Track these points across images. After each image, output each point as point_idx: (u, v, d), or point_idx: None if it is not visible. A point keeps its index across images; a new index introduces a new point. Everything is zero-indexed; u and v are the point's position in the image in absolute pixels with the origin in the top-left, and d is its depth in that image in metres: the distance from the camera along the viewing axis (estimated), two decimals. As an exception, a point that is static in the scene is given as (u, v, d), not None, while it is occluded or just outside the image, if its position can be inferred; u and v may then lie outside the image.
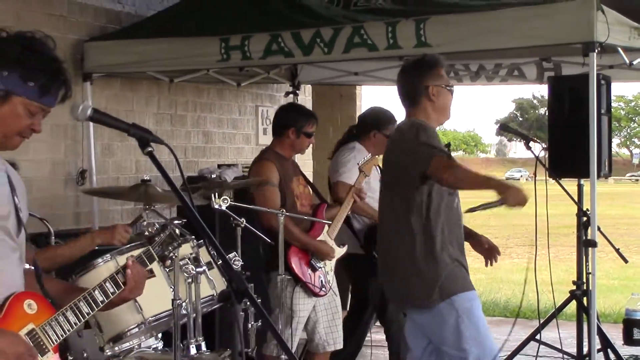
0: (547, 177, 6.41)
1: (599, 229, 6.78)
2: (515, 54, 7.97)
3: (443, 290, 5.11)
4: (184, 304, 4.95)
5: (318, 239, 6.63)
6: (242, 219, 5.82)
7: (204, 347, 5.21)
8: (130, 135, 3.17)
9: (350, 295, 7.80)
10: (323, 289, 6.62)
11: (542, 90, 76.71)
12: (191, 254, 5.14)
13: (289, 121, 6.72)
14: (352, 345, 7.50)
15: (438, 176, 5.01)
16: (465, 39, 6.73)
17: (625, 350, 8.32)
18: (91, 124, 7.71)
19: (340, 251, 6.81)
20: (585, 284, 7.19)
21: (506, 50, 7.23)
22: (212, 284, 5.22)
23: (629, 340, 8.31)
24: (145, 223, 5.54)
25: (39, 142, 7.79)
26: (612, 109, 7.44)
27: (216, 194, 5.48)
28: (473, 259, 5.59)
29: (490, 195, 4.81)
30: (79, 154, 8.22)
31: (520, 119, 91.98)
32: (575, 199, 6.99)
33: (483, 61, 8.86)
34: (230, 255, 5.41)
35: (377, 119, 7.54)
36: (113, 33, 8.38)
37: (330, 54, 7.19)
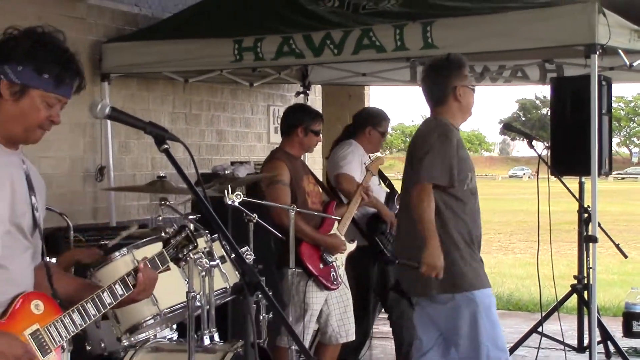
0: (549, 175, 6.40)
1: (599, 225, 6.77)
2: (519, 55, 7.96)
3: (463, 284, 5.11)
4: (198, 296, 4.94)
5: (329, 234, 6.64)
6: (254, 214, 5.82)
7: (217, 338, 5.20)
8: (147, 133, 3.17)
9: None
10: (335, 282, 6.63)
11: (544, 91, 76.90)
12: (205, 248, 5.14)
13: (297, 120, 6.74)
14: (360, 336, 7.51)
15: (410, 197, 5.16)
16: (470, 41, 6.72)
17: (624, 343, 8.33)
18: (109, 122, 7.72)
19: (350, 246, 6.82)
20: (586, 279, 7.20)
21: (510, 52, 7.21)
22: (225, 277, 5.21)
23: (628, 332, 8.33)
24: (160, 218, 5.56)
25: (59, 140, 7.82)
26: (612, 109, 7.44)
27: (229, 190, 5.48)
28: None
29: None
30: (97, 151, 8.24)
31: (523, 118, 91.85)
32: (577, 196, 6.99)
33: (487, 62, 8.84)
34: (243, 250, 5.41)
35: (372, 116, 7.63)
36: (130, 35, 8.39)
37: (340, 55, 7.19)
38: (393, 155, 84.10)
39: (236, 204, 5.53)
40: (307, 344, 6.65)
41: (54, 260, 5.10)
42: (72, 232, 6.00)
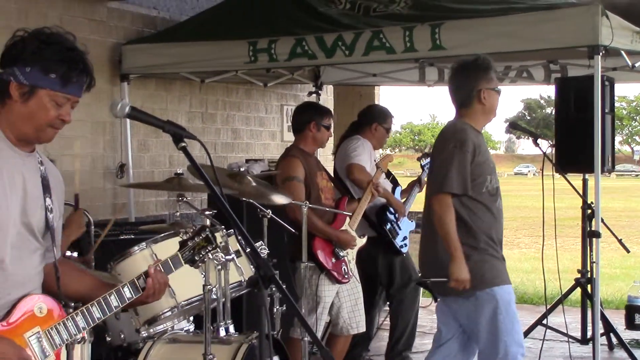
0: (554, 172, 6.38)
1: (602, 220, 6.75)
2: (524, 56, 7.94)
3: (486, 280, 5.10)
4: (214, 289, 4.94)
5: (340, 229, 6.65)
6: (269, 210, 5.82)
7: (232, 330, 5.21)
8: (165, 132, 3.15)
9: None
10: (346, 276, 6.64)
11: (549, 91, 76.50)
12: (221, 242, 5.14)
13: (309, 117, 6.76)
14: (370, 326, 7.54)
15: (432, 209, 5.12)
16: (477, 42, 6.71)
17: (626, 335, 8.32)
18: (128, 121, 7.74)
19: (360, 241, 6.83)
20: (589, 272, 7.19)
21: (515, 53, 7.20)
22: (240, 271, 5.22)
23: (630, 324, 8.31)
24: (178, 214, 5.56)
25: (80, 138, 7.84)
26: (615, 109, 7.41)
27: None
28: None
29: None
30: (117, 149, 8.26)
31: (528, 117, 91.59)
32: (581, 192, 6.97)
33: (494, 63, 8.81)
34: (257, 244, 5.41)
35: (379, 113, 7.66)
36: (149, 37, 8.41)
37: (351, 56, 7.20)
38: (402, 153, 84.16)
39: (251, 200, 5.54)
40: (319, 335, 6.66)
41: (75, 254, 5.13)
42: (92, 227, 5.99)
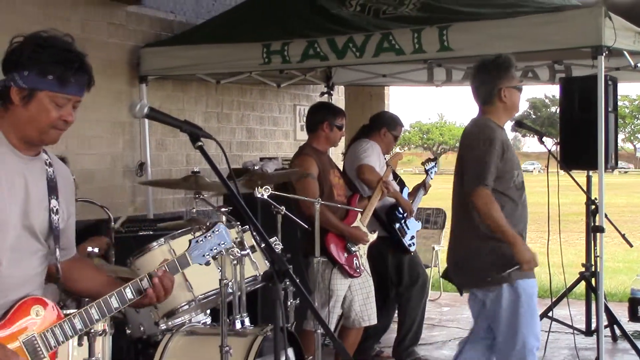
0: (559, 169, 6.37)
1: (606, 216, 6.74)
2: (529, 57, 7.92)
3: (509, 274, 5.08)
4: (230, 283, 4.95)
5: (352, 225, 6.65)
6: (282, 207, 5.83)
7: (247, 322, 5.21)
8: (183, 131, 3.14)
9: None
10: (357, 270, 6.64)
11: (553, 90, 76.22)
12: (236, 238, 5.15)
13: (322, 117, 6.76)
14: (383, 321, 7.56)
15: (475, 205, 5.05)
16: (484, 43, 6.70)
17: (630, 327, 8.30)
18: (147, 121, 7.76)
19: (372, 237, 6.83)
20: (593, 266, 7.17)
21: (521, 53, 7.15)
22: (255, 266, 5.22)
23: (633, 316, 8.30)
24: (194, 211, 5.57)
25: (100, 138, 7.87)
26: (618, 107, 7.38)
27: (259, 184, 5.48)
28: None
29: None
30: (135, 149, 8.27)
31: (534, 116, 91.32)
32: (585, 189, 6.95)
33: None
34: (272, 240, 5.41)
35: (389, 119, 7.69)
36: (166, 40, 8.42)
37: (362, 57, 7.20)
38: (411, 152, 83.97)
39: (265, 197, 5.55)
40: (332, 327, 6.66)
41: (96, 249, 5.14)
42: (112, 223, 6.01)
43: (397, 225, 7.35)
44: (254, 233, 3.20)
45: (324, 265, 6.39)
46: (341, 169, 7.47)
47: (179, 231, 5.16)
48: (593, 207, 6.91)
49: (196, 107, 9.11)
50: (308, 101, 10.80)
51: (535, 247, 5.53)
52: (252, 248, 5.20)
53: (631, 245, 7.85)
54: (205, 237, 3.40)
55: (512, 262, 5.06)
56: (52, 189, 3.22)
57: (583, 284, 7.63)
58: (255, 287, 5.40)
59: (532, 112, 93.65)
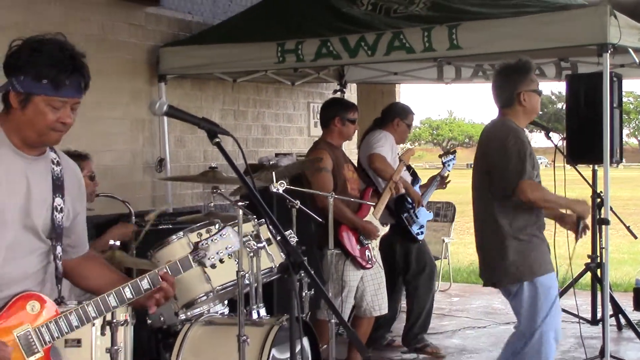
0: (565, 164, 6.35)
1: (611, 209, 6.72)
2: (536, 54, 7.83)
3: (533, 271, 5.09)
4: (247, 275, 4.96)
5: (365, 219, 6.66)
6: (297, 201, 5.83)
7: (264, 312, 5.22)
8: (201, 128, 3.13)
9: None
10: (369, 262, 6.65)
11: (559, 87, 75.96)
12: (252, 231, 5.16)
13: (334, 112, 6.79)
14: (391, 311, 7.56)
15: (524, 198, 5.03)
16: (492, 42, 6.68)
17: (634, 316, 8.28)
18: (166, 118, 7.76)
19: (384, 230, 6.84)
20: (599, 258, 7.15)
21: (528, 51, 7.13)
22: (270, 258, 5.23)
23: (638, 306, 8.30)
24: (212, 205, 5.58)
25: (121, 135, 7.89)
26: (622, 103, 7.35)
27: (274, 179, 5.49)
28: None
29: None
30: (155, 145, 8.28)
31: (540, 112, 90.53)
32: (590, 182, 6.94)
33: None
34: (287, 233, 5.42)
35: (401, 109, 7.67)
36: (184, 40, 8.42)
37: (373, 56, 7.17)
38: (421, 147, 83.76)
39: (280, 191, 5.55)
40: (345, 317, 6.67)
41: (117, 243, 5.15)
42: (133, 217, 6.02)
43: (405, 214, 7.35)
44: (270, 226, 3.17)
45: (337, 257, 6.41)
46: (357, 162, 7.48)
47: (197, 225, 5.18)
48: (599, 200, 6.89)
49: (213, 104, 9.11)
50: (321, 98, 10.78)
51: (543, 239, 5.50)
52: (268, 241, 5.21)
53: (636, 237, 7.84)
54: (211, 240, 3.31)
55: (533, 261, 5.09)
56: (58, 187, 3.19)
57: (589, 274, 7.60)
58: (271, 278, 5.41)
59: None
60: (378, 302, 6.80)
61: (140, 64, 8.08)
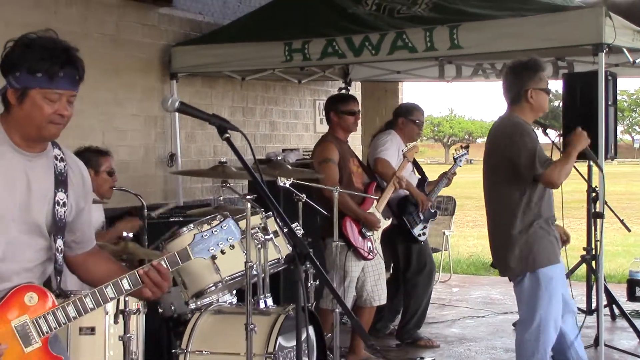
0: (562, 159, 6.32)
1: (605, 203, 6.70)
2: (535, 54, 7.83)
3: (537, 262, 5.09)
4: (254, 266, 4.96)
5: (368, 211, 6.65)
6: (303, 194, 5.83)
7: (271, 302, 5.22)
8: (211, 124, 3.11)
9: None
10: (371, 253, 6.64)
11: (557, 86, 75.65)
12: (260, 224, 5.15)
13: (329, 107, 6.89)
14: (397, 303, 7.56)
15: (553, 184, 5.09)
16: (491, 41, 6.68)
17: (628, 306, 8.28)
18: (177, 115, 7.77)
19: (385, 223, 6.83)
20: (593, 250, 7.14)
21: (526, 51, 7.11)
22: (277, 249, 5.22)
23: (631, 297, 8.28)
24: (221, 198, 5.57)
25: (134, 131, 7.89)
26: (617, 101, 7.33)
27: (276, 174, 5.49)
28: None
29: None
30: (167, 141, 8.28)
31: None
32: (586, 177, 6.92)
33: (507, 61, 8.72)
34: (293, 225, 5.41)
35: (404, 109, 7.63)
36: (195, 39, 8.41)
37: (377, 55, 7.18)
38: (423, 143, 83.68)
39: (287, 185, 5.55)
40: (348, 306, 6.67)
41: (130, 235, 5.15)
42: (145, 210, 6.02)
43: (407, 216, 7.31)
44: (277, 219, 3.14)
45: (340, 248, 6.40)
46: (367, 158, 7.48)
47: (207, 217, 5.17)
48: (594, 194, 6.87)
49: (223, 102, 9.10)
50: (327, 96, 10.68)
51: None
52: (275, 233, 5.21)
53: (629, 230, 7.83)
54: (212, 232, 3.22)
55: (536, 253, 5.09)
56: (61, 183, 3.14)
57: (584, 266, 7.60)
58: (278, 269, 5.40)
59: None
60: (378, 293, 6.80)
61: (153, 63, 8.08)
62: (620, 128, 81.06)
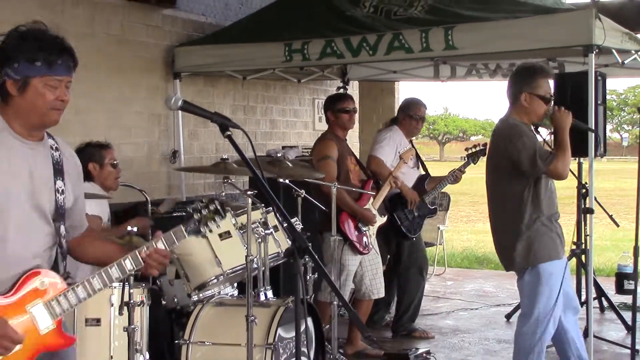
0: (553, 157, 6.32)
1: (595, 199, 6.71)
2: (527, 54, 7.83)
3: (537, 258, 5.08)
4: (255, 259, 4.96)
5: (364, 207, 6.65)
6: (302, 190, 5.83)
7: (270, 294, 5.22)
8: (213, 122, 3.12)
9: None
10: (367, 248, 6.64)
11: (547, 85, 75.67)
12: (261, 219, 5.15)
13: (326, 107, 6.93)
14: (390, 295, 7.57)
15: (559, 175, 5.11)
16: (485, 43, 6.68)
17: (616, 298, 8.28)
18: (180, 113, 7.76)
19: (381, 219, 6.83)
20: (583, 244, 7.13)
21: (519, 51, 7.13)
22: (277, 243, 5.23)
23: (620, 290, 8.28)
24: (223, 194, 5.57)
25: (138, 128, 7.89)
26: (606, 101, 7.33)
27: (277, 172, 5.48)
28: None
29: None
30: (170, 138, 8.28)
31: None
32: (576, 174, 6.91)
33: (500, 61, 8.76)
34: (293, 220, 5.41)
35: (404, 105, 7.61)
36: (198, 40, 8.41)
37: (374, 55, 7.17)
38: (418, 141, 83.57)
39: (287, 181, 5.54)
40: (346, 298, 6.67)
41: (135, 229, 5.14)
42: (149, 205, 6.03)
43: (398, 213, 7.28)
44: (277, 214, 3.15)
45: (337, 242, 6.39)
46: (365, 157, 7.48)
47: (197, 202, 5.15)
48: (584, 190, 6.87)
49: (224, 100, 9.10)
50: (326, 95, 10.70)
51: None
52: (275, 227, 5.21)
53: (618, 225, 7.83)
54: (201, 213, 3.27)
55: (537, 249, 5.09)
56: (58, 171, 3.16)
57: (574, 260, 7.59)
58: (277, 262, 5.40)
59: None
60: (376, 286, 6.80)
61: (157, 62, 8.08)
62: (609, 126, 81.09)
